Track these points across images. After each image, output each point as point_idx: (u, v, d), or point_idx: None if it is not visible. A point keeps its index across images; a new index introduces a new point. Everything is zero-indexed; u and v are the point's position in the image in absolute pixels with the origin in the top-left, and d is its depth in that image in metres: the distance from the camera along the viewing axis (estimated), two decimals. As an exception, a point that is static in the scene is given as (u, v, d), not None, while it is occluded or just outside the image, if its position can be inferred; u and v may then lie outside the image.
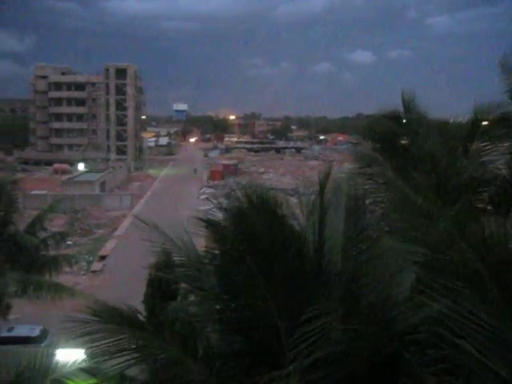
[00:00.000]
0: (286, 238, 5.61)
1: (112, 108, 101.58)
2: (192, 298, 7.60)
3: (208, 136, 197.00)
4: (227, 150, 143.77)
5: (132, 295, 14.19)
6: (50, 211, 21.26)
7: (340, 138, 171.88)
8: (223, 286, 6.01)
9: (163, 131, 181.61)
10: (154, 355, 5.94)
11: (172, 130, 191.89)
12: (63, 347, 19.38)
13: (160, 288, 14.64)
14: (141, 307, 11.27)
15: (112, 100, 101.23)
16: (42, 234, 20.00)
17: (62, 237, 20.32)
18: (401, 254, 5.72)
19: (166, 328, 6.25)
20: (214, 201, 61.24)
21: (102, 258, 39.98)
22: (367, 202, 6.47)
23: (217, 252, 5.98)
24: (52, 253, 19.70)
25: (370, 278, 5.57)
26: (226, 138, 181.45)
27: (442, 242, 5.13)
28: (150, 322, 6.50)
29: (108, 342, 5.81)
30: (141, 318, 6.50)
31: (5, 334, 22.14)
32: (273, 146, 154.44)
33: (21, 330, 23.04)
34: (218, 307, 6.34)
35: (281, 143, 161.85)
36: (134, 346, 5.92)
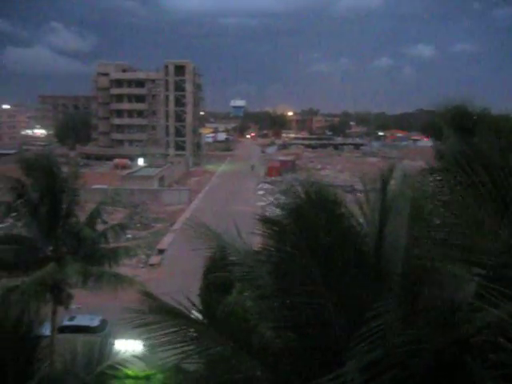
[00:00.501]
0: (346, 236, 5.47)
1: (171, 104, 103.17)
2: (247, 292, 7.57)
3: (265, 132, 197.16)
4: (284, 146, 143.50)
5: (188, 288, 14.34)
6: (109, 204, 21.73)
7: (399, 135, 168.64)
8: (279, 283, 5.93)
9: (221, 127, 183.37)
10: (209, 348, 5.94)
11: (230, 126, 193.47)
12: (121, 337, 19.91)
13: (215, 282, 14.71)
14: (197, 300, 11.35)
15: (171, 96, 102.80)
16: (102, 227, 20.47)
17: (121, 229, 20.70)
18: (464, 263, 5.47)
19: (221, 322, 6.25)
20: (271, 197, 61.31)
21: (160, 251, 40.68)
22: (435, 203, 6.13)
23: (273, 249, 5.90)
24: (112, 245, 20.13)
25: (434, 281, 5.35)
26: (284, 134, 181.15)
27: (503, 253, 4.89)
28: (206, 315, 6.50)
29: (164, 334, 5.87)
30: (197, 311, 6.53)
31: (66, 322, 22.88)
32: (330, 142, 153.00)
33: (81, 320, 23.77)
34: (273, 304, 6.27)
35: (339, 139, 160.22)
36: (189, 339, 5.96)
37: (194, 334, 6.01)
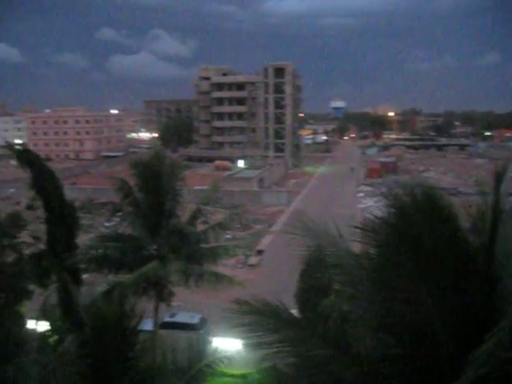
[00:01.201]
0: (453, 241, 5.14)
1: (270, 106, 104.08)
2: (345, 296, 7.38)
3: (365, 133, 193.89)
4: (385, 147, 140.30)
5: (286, 289, 14.31)
6: (209, 204, 22.15)
7: (508, 134, 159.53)
8: (380, 289, 5.70)
9: (320, 128, 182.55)
10: (307, 351, 5.85)
11: (329, 128, 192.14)
12: (220, 336, 20.26)
13: (313, 283, 14.53)
14: (294, 302, 11.30)
15: (271, 98, 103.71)
16: (202, 227, 20.90)
17: (221, 229, 20.99)
18: None
19: (319, 324, 6.12)
20: (371, 199, 60.12)
21: (259, 252, 41.04)
22: None
23: (375, 254, 5.67)
24: (212, 245, 20.48)
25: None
26: (385, 135, 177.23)
27: None
28: (303, 317, 6.41)
29: (262, 334, 5.84)
30: (295, 313, 6.45)
31: (167, 319, 23.61)
32: (434, 143, 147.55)
33: (182, 317, 24.43)
34: (373, 309, 6.04)
35: (442, 140, 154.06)
36: (286, 340, 5.90)
37: (292, 336, 5.95)
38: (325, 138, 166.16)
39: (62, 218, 17.44)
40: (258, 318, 5.99)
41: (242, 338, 6.50)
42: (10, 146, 19.72)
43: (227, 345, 17.97)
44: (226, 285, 18.34)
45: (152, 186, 18.65)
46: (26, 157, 18.29)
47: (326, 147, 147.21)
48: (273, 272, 34.16)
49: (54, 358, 9.26)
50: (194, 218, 20.17)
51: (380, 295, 5.72)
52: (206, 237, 19.90)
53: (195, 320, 24.29)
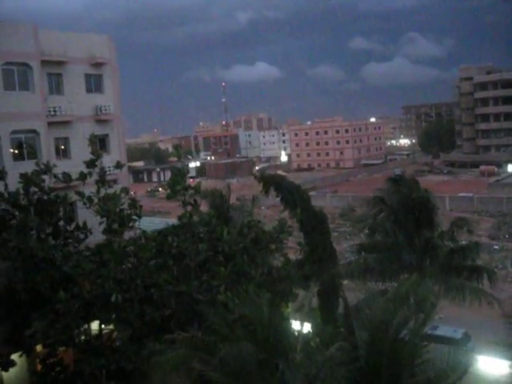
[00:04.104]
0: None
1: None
2: None
3: None
4: None
5: None
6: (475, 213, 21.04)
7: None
8: None
9: None
10: None
11: None
12: (485, 354, 18.92)
13: None
14: None
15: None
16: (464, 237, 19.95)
17: (475, 250, 19.78)
18: None
19: None
20: None
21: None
22: None
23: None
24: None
25: None
26: None
27: None
28: None
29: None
30: None
31: (429, 331, 22.87)
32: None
33: (444, 331, 23.42)
34: None
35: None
36: None
37: None
38: None
39: (313, 227, 18.26)
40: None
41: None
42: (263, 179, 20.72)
43: (492, 365, 16.69)
44: (486, 301, 17.21)
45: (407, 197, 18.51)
46: (271, 183, 19.57)
47: None
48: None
49: (322, 359, 9.65)
50: (455, 227, 19.36)
51: None
52: (469, 250, 18.93)
53: (458, 335, 23.06)
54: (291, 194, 18.10)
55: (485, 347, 17.97)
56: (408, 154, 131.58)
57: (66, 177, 16.66)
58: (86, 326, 15.55)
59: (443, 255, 18.54)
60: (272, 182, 18.46)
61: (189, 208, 15.62)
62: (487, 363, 16.31)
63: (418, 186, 20.20)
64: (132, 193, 16.30)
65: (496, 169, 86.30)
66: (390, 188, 19.99)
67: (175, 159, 18.55)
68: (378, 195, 19.61)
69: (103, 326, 15.36)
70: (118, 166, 17.61)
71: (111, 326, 15.20)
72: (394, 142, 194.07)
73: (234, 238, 15.54)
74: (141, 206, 16.01)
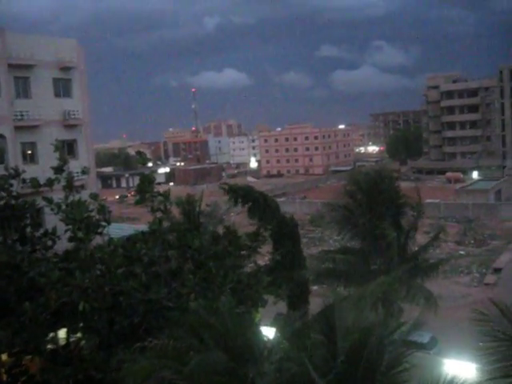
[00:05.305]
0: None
1: (508, 112, 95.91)
2: None
3: None
4: None
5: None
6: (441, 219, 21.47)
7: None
8: None
9: None
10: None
11: None
12: (451, 358, 19.17)
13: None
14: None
15: (507, 103, 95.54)
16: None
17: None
18: None
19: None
20: None
21: (496, 270, 38.05)
22: None
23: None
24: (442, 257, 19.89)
25: None
26: None
27: None
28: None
29: (497, 360, 5.42)
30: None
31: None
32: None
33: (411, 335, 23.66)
34: None
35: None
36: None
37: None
38: None
39: (282, 234, 18.36)
40: (493, 342, 5.55)
41: (477, 363, 6.09)
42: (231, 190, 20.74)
43: (459, 368, 16.93)
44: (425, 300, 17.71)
45: (370, 200, 18.74)
46: (239, 193, 19.74)
47: None
48: (512, 292, 31.33)
49: (295, 366, 9.61)
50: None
51: None
52: (424, 250, 19.45)
53: (426, 339, 23.26)
54: (258, 204, 18.20)
55: (452, 350, 18.24)
56: (376, 161, 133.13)
57: (34, 182, 16.33)
58: (53, 334, 15.25)
59: (408, 259, 18.86)
60: (240, 192, 18.53)
61: (158, 214, 15.44)
62: (454, 366, 16.52)
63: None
64: (103, 198, 16.02)
65: (462, 175, 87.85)
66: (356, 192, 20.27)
67: (145, 165, 18.35)
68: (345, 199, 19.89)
69: (71, 334, 15.08)
70: (84, 171, 17.42)
71: (79, 335, 14.94)
72: (362, 148, 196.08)
73: (204, 244, 15.45)
74: (110, 212, 15.77)
